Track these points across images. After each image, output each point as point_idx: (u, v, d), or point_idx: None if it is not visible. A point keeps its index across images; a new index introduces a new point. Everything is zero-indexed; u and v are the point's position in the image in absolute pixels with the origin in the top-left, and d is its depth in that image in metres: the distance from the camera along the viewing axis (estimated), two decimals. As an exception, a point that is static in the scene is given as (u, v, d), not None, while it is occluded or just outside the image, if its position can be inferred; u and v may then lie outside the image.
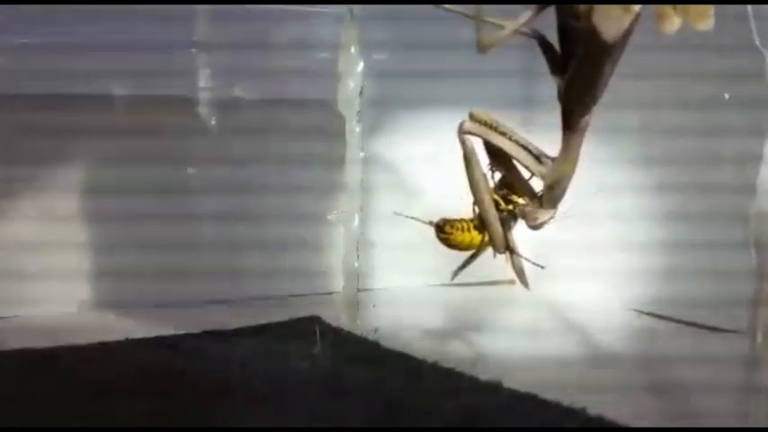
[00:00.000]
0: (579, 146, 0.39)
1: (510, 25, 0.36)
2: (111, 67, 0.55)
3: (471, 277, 0.47)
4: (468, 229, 0.43)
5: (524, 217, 0.42)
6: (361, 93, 0.51)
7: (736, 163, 0.50)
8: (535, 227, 0.42)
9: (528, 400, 0.39)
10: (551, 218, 0.42)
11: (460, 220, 0.43)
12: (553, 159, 0.40)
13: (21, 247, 0.56)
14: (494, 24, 0.36)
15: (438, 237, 0.43)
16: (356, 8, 0.51)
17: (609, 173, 0.56)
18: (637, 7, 0.33)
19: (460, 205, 0.43)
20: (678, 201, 0.57)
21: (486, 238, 0.43)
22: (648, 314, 0.58)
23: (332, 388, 0.41)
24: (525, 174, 0.42)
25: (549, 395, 0.39)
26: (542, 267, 0.44)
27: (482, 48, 0.36)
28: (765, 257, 0.40)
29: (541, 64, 0.39)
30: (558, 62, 0.38)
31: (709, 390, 0.44)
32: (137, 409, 0.37)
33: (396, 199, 0.63)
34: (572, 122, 0.38)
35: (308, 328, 0.50)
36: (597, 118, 0.39)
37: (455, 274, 0.45)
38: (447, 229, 0.43)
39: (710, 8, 0.33)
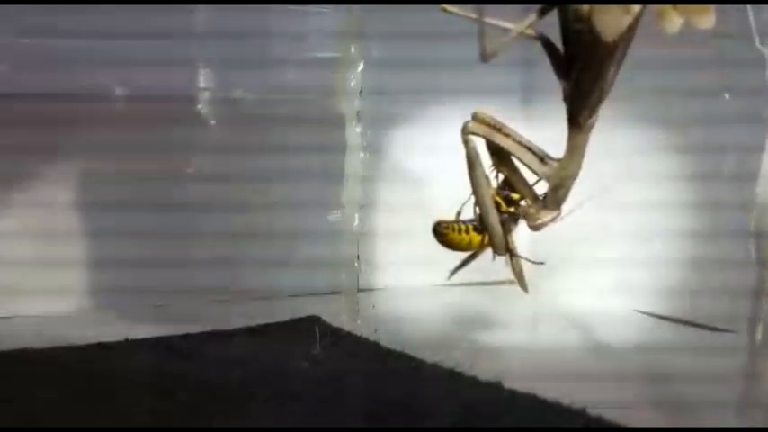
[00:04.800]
0: (584, 147, 0.39)
1: (514, 29, 0.36)
2: (110, 64, 0.55)
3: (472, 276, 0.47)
4: (467, 231, 0.43)
5: (526, 218, 0.42)
6: (360, 91, 0.51)
7: (736, 163, 0.50)
8: (536, 228, 0.42)
9: (528, 400, 0.39)
10: (554, 219, 0.42)
11: (457, 222, 0.43)
12: (557, 160, 0.40)
13: (21, 247, 0.56)
14: (498, 27, 0.36)
15: (435, 238, 0.43)
16: (356, 8, 0.51)
17: (609, 165, 0.56)
18: (637, 7, 0.33)
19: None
20: (676, 200, 0.57)
21: (486, 239, 0.43)
22: (648, 314, 0.58)
23: (332, 388, 0.41)
24: (529, 175, 0.42)
25: (548, 394, 0.39)
26: (542, 263, 0.44)
27: (486, 56, 0.36)
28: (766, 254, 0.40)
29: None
30: (563, 64, 0.38)
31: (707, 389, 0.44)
32: (137, 409, 0.37)
33: (396, 198, 0.63)
34: (577, 123, 0.38)
35: (308, 328, 0.50)
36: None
37: (452, 273, 0.45)
38: (442, 231, 0.43)
39: (711, 8, 0.33)
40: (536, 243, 0.46)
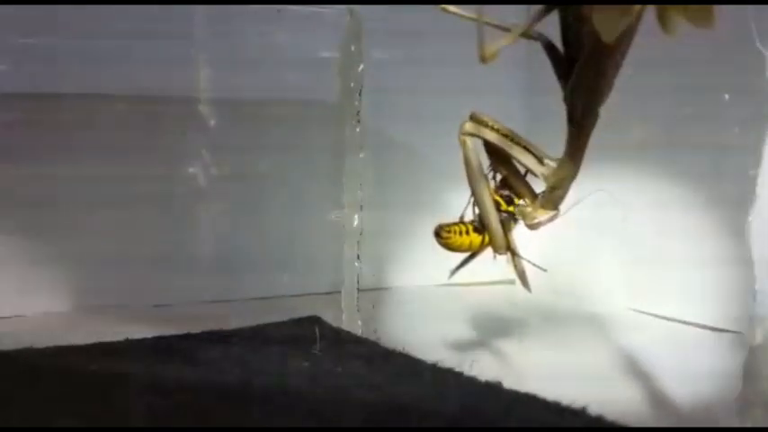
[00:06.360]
0: (584, 147, 0.39)
1: (514, 30, 0.36)
2: (111, 66, 0.55)
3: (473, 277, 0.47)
4: (467, 232, 0.43)
5: (524, 217, 0.42)
6: (360, 93, 0.51)
7: (735, 163, 0.50)
8: (533, 227, 0.42)
9: (528, 400, 0.39)
10: (552, 219, 0.42)
11: (457, 224, 0.43)
12: (556, 160, 0.40)
13: (21, 245, 0.56)
14: (498, 28, 0.36)
15: (437, 242, 0.43)
16: (356, 8, 0.51)
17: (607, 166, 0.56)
18: (637, 7, 0.33)
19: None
20: (676, 199, 0.57)
21: (487, 239, 0.43)
22: (648, 314, 0.58)
23: (332, 388, 0.41)
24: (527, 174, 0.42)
25: (547, 393, 0.39)
26: (544, 270, 0.44)
27: (485, 58, 0.36)
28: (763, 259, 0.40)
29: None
30: (563, 64, 0.38)
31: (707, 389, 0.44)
32: (137, 409, 0.37)
33: (396, 198, 0.63)
34: (577, 124, 0.38)
35: (307, 328, 0.50)
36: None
37: (452, 273, 0.45)
38: (443, 233, 0.43)
39: (711, 8, 0.33)
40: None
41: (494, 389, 0.41)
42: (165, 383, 0.41)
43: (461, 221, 0.43)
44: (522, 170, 0.42)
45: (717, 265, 0.54)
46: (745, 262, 0.40)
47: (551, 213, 0.42)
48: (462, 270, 0.45)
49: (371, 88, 0.51)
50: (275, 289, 0.60)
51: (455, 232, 0.42)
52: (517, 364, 0.48)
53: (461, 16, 0.38)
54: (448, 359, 0.44)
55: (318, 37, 0.58)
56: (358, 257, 0.51)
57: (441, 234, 0.42)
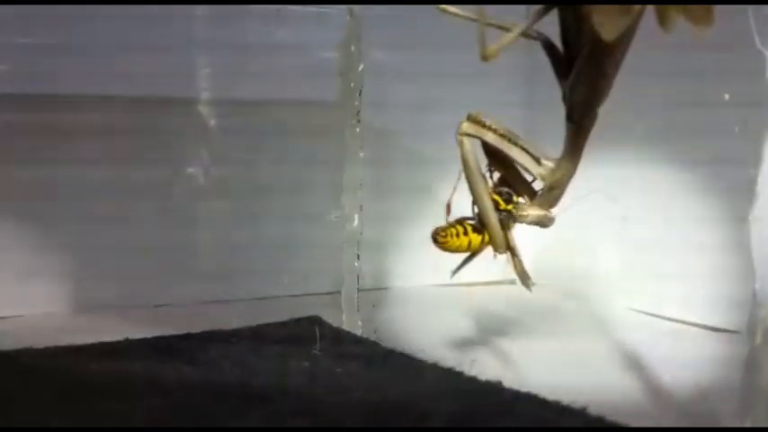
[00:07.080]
0: (583, 147, 0.39)
1: (514, 29, 0.36)
2: (111, 67, 0.55)
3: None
4: (465, 233, 0.42)
5: (517, 211, 0.42)
6: (360, 93, 0.51)
7: (735, 164, 0.50)
8: (522, 219, 0.42)
9: (528, 400, 0.39)
10: (544, 218, 0.41)
11: (453, 225, 0.43)
12: (554, 160, 0.40)
13: (21, 245, 0.56)
14: (497, 28, 0.36)
15: (436, 246, 0.43)
16: (356, 8, 0.51)
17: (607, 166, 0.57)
18: (637, 7, 0.33)
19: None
20: (677, 200, 0.57)
21: (487, 238, 0.43)
22: (648, 314, 0.58)
23: (332, 388, 0.41)
24: (525, 174, 0.42)
25: (547, 393, 0.39)
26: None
27: (486, 56, 0.36)
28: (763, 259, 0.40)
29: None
30: (562, 64, 0.38)
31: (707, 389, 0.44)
32: (137, 408, 0.37)
33: (396, 198, 0.63)
34: (576, 124, 0.38)
35: (308, 328, 0.50)
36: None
37: (453, 273, 0.45)
38: (439, 237, 0.42)
39: (711, 8, 0.33)
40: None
41: (494, 388, 0.41)
42: (165, 383, 0.41)
43: (458, 222, 0.43)
44: (521, 170, 0.42)
45: (716, 265, 0.54)
46: (744, 262, 0.40)
47: (543, 212, 0.42)
48: (463, 270, 0.45)
49: (371, 88, 0.51)
50: (275, 289, 0.60)
51: (451, 234, 0.42)
52: (517, 364, 0.48)
53: (460, 16, 0.38)
54: (448, 359, 0.44)
55: (318, 37, 0.58)
56: (358, 257, 0.51)
57: (437, 238, 0.42)
